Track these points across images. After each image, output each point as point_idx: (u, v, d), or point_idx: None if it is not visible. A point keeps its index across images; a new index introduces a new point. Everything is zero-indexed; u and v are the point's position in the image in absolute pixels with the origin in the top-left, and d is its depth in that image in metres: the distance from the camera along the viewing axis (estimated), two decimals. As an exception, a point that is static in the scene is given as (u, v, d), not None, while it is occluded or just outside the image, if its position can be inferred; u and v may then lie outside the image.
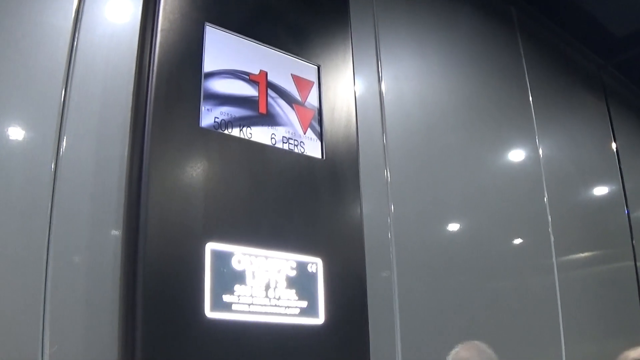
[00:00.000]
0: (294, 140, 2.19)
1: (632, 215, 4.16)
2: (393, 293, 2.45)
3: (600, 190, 4.13)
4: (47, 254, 1.66)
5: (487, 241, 3.02)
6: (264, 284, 1.92)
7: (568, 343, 3.13)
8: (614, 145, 4.30)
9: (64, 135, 1.78)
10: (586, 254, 3.69)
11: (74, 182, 1.76)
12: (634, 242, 4.09)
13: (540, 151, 3.54)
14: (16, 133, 1.72)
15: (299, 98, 2.27)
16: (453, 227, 2.94)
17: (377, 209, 2.54)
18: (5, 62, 1.74)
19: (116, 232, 1.79)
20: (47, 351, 1.58)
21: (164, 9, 1.97)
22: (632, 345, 3.29)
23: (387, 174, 2.62)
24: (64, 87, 1.82)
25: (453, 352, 2.13)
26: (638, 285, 3.97)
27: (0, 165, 1.66)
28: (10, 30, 1.77)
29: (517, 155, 3.48)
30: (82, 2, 1.92)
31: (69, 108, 1.81)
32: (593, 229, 3.82)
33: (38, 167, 1.71)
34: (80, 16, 1.90)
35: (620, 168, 4.27)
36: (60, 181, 1.73)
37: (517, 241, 3.25)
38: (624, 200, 4.18)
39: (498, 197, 3.19)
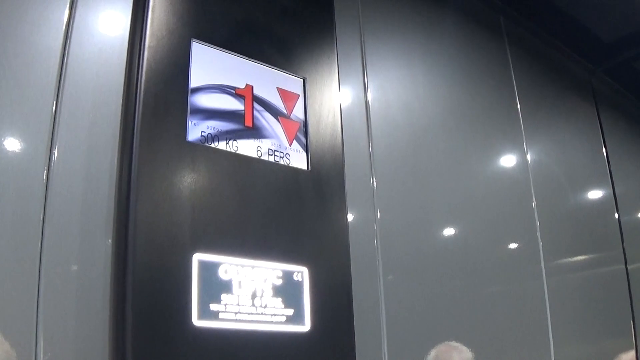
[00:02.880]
0: (280, 152, 2.24)
1: (622, 220, 4.17)
2: (380, 300, 2.48)
3: (590, 195, 4.14)
4: (40, 264, 1.70)
5: (474, 247, 3.04)
6: (251, 292, 1.97)
7: (557, 348, 3.15)
8: (604, 150, 4.32)
9: (55, 148, 1.82)
10: (576, 258, 3.70)
11: (65, 193, 1.81)
12: (624, 245, 4.10)
13: (528, 157, 3.57)
14: (8, 146, 1.76)
15: (284, 111, 2.32)
16: (440, 233, 2.97)
17: (363, 216, 2.58)
18: (-2, 80, 1.79)
19: (106, 242, 1.84)
20: (40, 359, 1.62)
21: (151, 25, 2.01)
22: (624, 349, 3.32)
23: (373, 182, 2.65)
24: (55, 101, 1.86)
25: (430, 356, 2.13)
26: (629, 289, 3.98)
27: (-7, 178, 1.70)
28: (3, 49, 1.82)
29: (504, 161, 3.51)
30: (72, 20, 1.97)
31: (59, 122, 1.85)
32: (583, 234, 3.83)
33: (30, 179, 1.76)
34: (69, 34, 1.95)
35: (610, 173, 4.28)
36: (51, 192, 1.78)
37: (505, 247, 3.27)
38: (615, 205, 4.19)
39: (485, 203, 3.21)
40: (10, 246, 1.67)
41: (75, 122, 1.89)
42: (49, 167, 1.80)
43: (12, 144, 1.77)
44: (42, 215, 1.75)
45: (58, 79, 1.89)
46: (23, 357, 1.59)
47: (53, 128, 1.84)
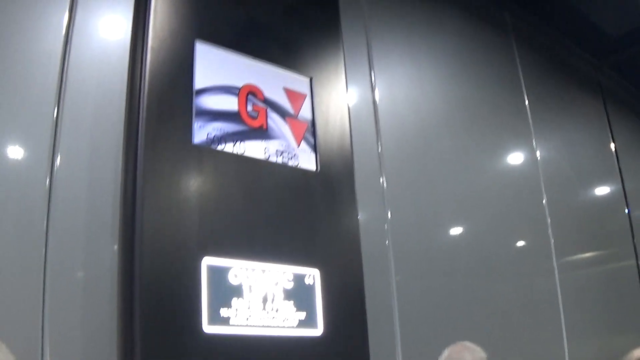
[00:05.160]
0: (288, 153, 2.20)
1: (632, 215, 4.15)
2: (392, 300, 2.45)
3: (600, 191, 4.13)
4: (44, 270, 1.67)
5: (486, 245, 3.02)
6: (262, 297, 1.93)
7: (570, 343, 3.13)
8: (612, 146, 4.29)
9: (58, 154, 1.79)
10: (587, 254, 3.68)
11: (68, 198, 1.78)
12: (635, 241, 4.08)
13: (538, 154, 3.55)
14: (11, 152, 1.74)
15: (291, 111, 2.28)
16: (451, 232, 2.94)
17: (374, 216, 2.55)
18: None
19: (112, 248, 1.80)
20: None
21: (154, 26, 1.98)
22: (638, 344, 3.28)
23: (383, 181, 2.62)
24: (56, 106, 1.84)
25: (443, 356, 2.09)
26: (641, 284, 3.98)
27: (-4, 183, 1.67)
28: (4, 54, 1.80)
29: (514, 158, 3.49)
30: (72, 23, 1.94)
31: (62, 127, 1.83)
32: (593, 230, 3.82)
33: (33, 185, 1.73)
34: (70, 37, 1.92)
35: (619, 168, 4.26)
36: (55, 198, 1.75)
37: (517, 244, 3.25)
38: (625, 200, 4.17)
39: (496, 201, 3.19)
40: (15, 254, 1.65)
41: (78, 127, 1.86)
42: (51, 173, 1.77)
43: (13, 151, 1.74)
44: (45, 222, 1.72)
45: (59, 83, 1.86)
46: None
47: (55, 133, 1.81)
